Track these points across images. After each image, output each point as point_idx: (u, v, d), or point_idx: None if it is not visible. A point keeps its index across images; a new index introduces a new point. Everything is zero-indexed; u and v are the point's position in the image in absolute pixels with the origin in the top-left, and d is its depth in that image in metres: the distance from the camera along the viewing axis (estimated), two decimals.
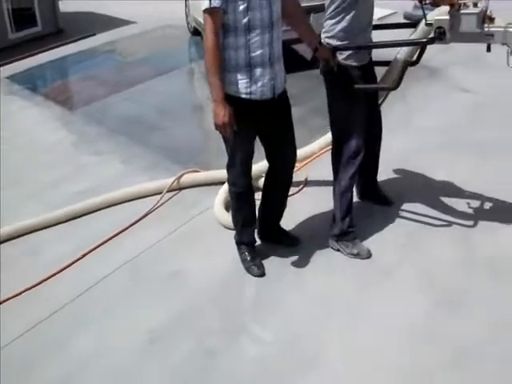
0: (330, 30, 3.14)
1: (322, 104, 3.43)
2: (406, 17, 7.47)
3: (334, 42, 3.12)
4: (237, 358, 2.69)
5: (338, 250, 3.35)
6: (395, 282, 3.13)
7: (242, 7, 2.72)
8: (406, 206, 3.74)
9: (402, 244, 3.43)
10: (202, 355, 2.72)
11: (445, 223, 3.59)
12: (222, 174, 4.01)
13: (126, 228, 3.70)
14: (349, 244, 3.35)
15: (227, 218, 3.57)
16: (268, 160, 3.25)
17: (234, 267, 3.25)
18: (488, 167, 4.07)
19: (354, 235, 3.39)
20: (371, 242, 3.42)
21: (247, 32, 2.76)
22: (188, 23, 8.76)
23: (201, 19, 7.49)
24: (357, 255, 3.32)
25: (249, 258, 3.23)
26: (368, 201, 3.77)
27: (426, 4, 3.03)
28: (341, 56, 3.14)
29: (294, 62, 3.41)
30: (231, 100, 2.82)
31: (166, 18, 9.43)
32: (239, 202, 3.21)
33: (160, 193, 3.97)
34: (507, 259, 3.18)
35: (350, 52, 3.13)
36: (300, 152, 4.16)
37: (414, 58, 3.25)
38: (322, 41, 3.18)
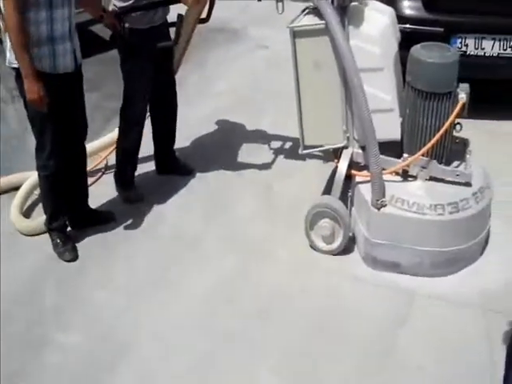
0: None
1: (118, 88, 3.50)
2: None
3: (119, 3, 3.22)
4: (42, 370, 2.63)
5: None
6: (202, 248, 3.27)
7: None
8: (208, 171, 3.89)
9: (207, 209, 3.58)
10: (6, 376, 2.61)
11: (247, 179, 3.80)
12: (11, 179, 3.92)
13: None
14: (123, 190, 3.68)
15: (26, 224, 3.51)
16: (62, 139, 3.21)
17: (33, 276, 3.17)
18: (286, 119, 4.20)
19: (129, 183, 3.69)
20: (178, 215, 3.52)
21: (49, 7, 2.83)
22: None
23: None
24: (126, 199, 3.66)
25: (60, 244, 3.26)
26: (168, 174, 3.87)
27: None
28: (128, 19, 3.21)
29: (89, 46, 3.51)
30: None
31: None
32: (48, 185, 3.22)
33: None
34: (302, 201, 3.37)
35: (136, 15, 3.21)
36: (100, 142, 4.16)
37: (204, 15, 3.48)
38: (111, 5, 3.28)
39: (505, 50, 4.26)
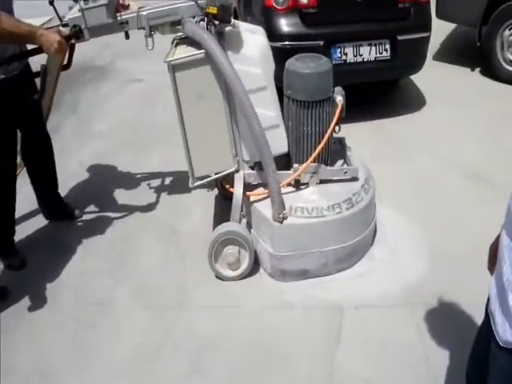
0: None
1: None
2: None
3: None
4: None
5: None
6: (114, 308, 3.23)
7: None
8: (102, 222, 3.93)
9: (110, 263, 3.56)
10: None
11: (145, 224, 3.88)
12: None
13: None
14: (3, 257, 3.66)
15: None
16: None
17: None
18: (172, 153, 4.42)
19: (9, 249, 3.67)
20: (78, 276, 3.47)
21: None
22: None
23: None
24: (8, 266, 3.62)
25: None
26: (58, 220, 3.98)
27: None
28: None
29: None
30: None
31: None
32: None
33: None
34: (204, 235, 3.54)
35: None
36: None
37: (65, 61, 3.48)
38: None
39: (381, 53, 4.81)
